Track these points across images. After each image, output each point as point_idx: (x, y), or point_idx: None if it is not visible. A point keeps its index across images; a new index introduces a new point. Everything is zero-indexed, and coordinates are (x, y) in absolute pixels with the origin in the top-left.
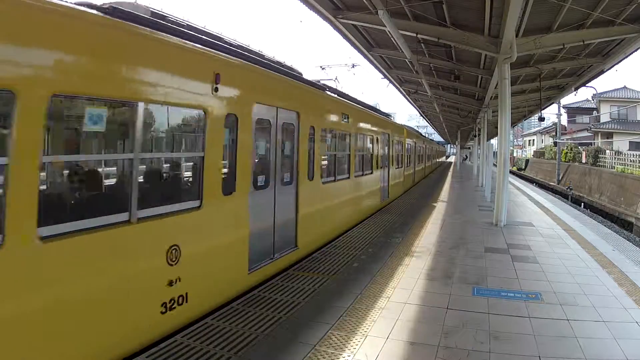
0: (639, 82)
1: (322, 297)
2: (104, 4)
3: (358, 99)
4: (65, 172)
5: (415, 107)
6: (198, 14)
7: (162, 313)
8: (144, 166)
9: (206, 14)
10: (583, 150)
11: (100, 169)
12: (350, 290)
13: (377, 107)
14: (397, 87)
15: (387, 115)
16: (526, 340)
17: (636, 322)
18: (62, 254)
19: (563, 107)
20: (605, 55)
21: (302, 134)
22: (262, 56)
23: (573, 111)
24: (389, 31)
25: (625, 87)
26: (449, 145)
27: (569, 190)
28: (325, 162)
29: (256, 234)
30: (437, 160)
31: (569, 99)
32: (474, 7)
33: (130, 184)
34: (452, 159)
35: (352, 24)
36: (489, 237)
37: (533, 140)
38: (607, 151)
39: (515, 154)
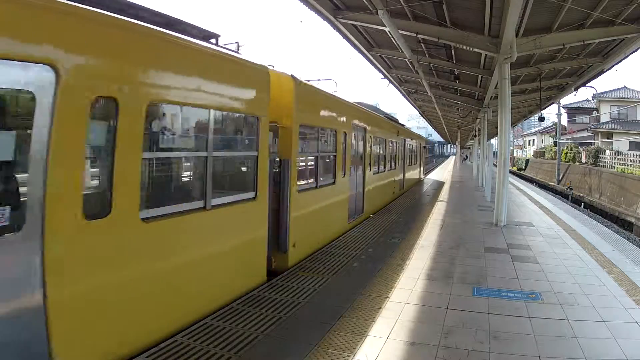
0: (639, 82)
1: (322, 297)
2: (356, 102)
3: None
4: (380, 158)
5: (415, 107)
6: (197, 12)
7: (392, 194)
8: (392, 156)
9: (206, 13)
10: (583, 150)
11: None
12: (350, 290)
13: (378, 107)
14: (397, 87)
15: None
16: (526, 340)
17: (636, 322)
18: (379, 178)
19: (563, 107)
20: (605, 55)
21: (406, 148)
22: (388, 116)
23: (573, 111)
24: (389, 31)
25: (625, 87)
26: (449, 145)
27: (569, 190)
28: (409, 159)
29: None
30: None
31: (569, 99)
32: (474, 7)
33: (389, 161)
34: (449, 165)
35: (352, 24)
36: (489, 237)
37: (533, 140)
38: (607, 151)
39: (515, 154)
